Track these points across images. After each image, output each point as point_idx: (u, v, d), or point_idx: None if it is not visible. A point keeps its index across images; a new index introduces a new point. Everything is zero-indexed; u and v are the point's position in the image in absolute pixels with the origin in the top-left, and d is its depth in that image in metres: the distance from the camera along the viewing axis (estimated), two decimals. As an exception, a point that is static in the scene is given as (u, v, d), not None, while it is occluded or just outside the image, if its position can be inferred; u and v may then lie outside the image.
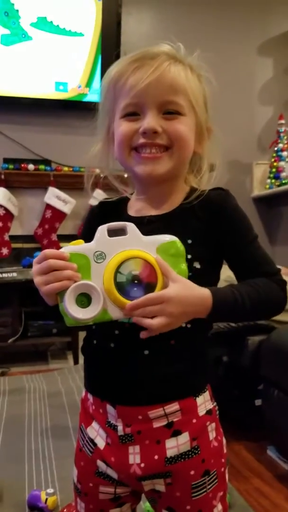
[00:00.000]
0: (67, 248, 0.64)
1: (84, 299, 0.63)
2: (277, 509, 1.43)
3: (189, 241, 0.72)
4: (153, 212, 0.77)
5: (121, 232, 0.65)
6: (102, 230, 0.65)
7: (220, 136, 0.81)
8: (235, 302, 0.69)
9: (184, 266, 0.66)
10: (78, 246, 0.64)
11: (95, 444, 0.76)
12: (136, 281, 0.63)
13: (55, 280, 0.62)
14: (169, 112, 0.73)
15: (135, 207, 0.80)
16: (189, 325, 0.71)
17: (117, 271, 0.63)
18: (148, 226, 0.73)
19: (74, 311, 0.62)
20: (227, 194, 0.77)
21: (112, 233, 0.65)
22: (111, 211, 0.82)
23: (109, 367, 0.73)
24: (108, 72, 0.78)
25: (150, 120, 0.72)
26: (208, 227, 0.74)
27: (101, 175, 0.86)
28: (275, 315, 0.77)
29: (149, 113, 0.72)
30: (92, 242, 0.64)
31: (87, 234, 0.67)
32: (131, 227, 0.65)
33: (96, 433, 0.77)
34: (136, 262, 0.63)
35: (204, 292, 0.67)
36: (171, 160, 0.74)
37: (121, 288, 0.62)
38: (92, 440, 0.77)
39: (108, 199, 0.86)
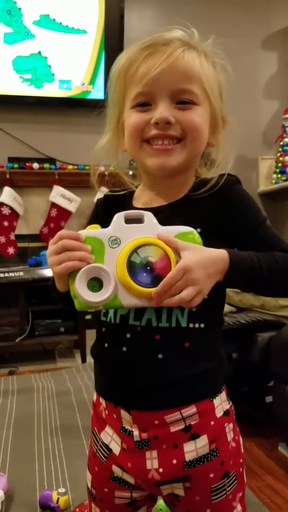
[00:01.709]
0: (83, 231, 0.64)
1: (96, 284, 0.62)
2: (290, 506, 1.42)
3: (198, 230, 0.69)
4: (160, 203, 0.75)
5: (138, 221, 0.64)
6: (119, 216, 0.64)
7: (235, 126, 0.78)
8: (252, 263, 0.66)
9: None
10: (93, 230, 0.64)
11: (110, 450, 0.74)
12: (148, 267, 0.62)
13: (68, 259, 0.61)
14: (183, 101, 0.70)
15: (142, 199, 0.78)
16: (202, 325, 0.70)
17: (133, 253, 0.62)
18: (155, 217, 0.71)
19: (85, 294, 0.61)
20: (236, 178, 0.76)
21: (129, 221, 0.64)
22: (117, 203, 0.79)
23: (123, 371, 0.71)
24: (118, 59, 0.74)
25: (163, 110, 0.68)
26: (218, 214, 0.72)
27: (106, 173, 0.84)
28: None
29: (161, 102, 0.69)
30: (109, 227, 0.64)
31: None
32: (148, 216, 0.65)
33: (111, 438, 0.74)
34: (156, 250, 0.62)
35: (220, 251, 0.65)
36: (183, 152, 0.71)
37: (132, 267, 0.61)
38: (106, 446, 0.75)
39: (114, 191, 0.83)
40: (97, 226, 0.65)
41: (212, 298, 0.69)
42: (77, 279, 0.61)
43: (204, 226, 0.70)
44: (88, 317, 2.92)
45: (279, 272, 0.68)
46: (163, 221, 0.66)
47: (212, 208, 0.72)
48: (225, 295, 0.78)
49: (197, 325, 0.70)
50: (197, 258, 0.62)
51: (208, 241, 0.67)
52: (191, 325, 0.69)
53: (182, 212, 0.71)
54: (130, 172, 0.83)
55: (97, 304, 0.61)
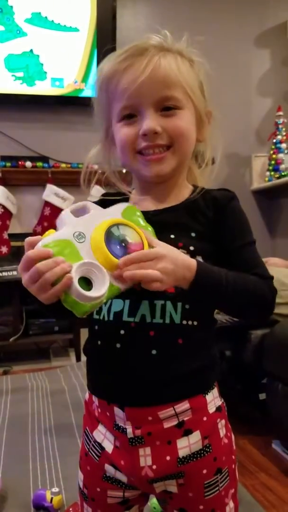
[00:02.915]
0: (47, 240, 0.60)
1: (82, 284, 0.60)
2: (284, 504, 1.42)
3: (193, 234, 0.72)
4: (157, 207, 0.77)
5: (83, 211, 0.65)
6: (66, 214, 0.64)
7: (220, 117, 0.80)
8: (219, 279, 0.67)
9: (145, 223, 0.70)
10: (55, 234, 0.62)
11: (102, 448, 0.74)
12: (123, 244, 0.63)
13: (48, 283, 0.58)
14: (167, 107, 0.72)
15: (138, 204, 0.79)
16: (195, 323, 0.70)
17: (114, 225, 0.64)
18: (152, 219, 0.73)
19: (88, 294, 0.58)
20: (233, 195, 0.78)
21: (77, 215, 0.64)
22: None
23: (116, 368, 0.71)
24: (99, 71, 0.76)
25: (149, 121, 0.70)
26: (211, 223, 0.74)
27: (100, 171, 0.84)
28: (259, 317, 0.76)
29: (146, 113, 0.71)
30: (65, 227, 0.63)
31: None
32: (91, 204, 0.66)
33: (103, 437, 0.75)
34: (134, 235, 0.65)
35: (190, 259, 0.66)
36: (174, 158, 0.73)
37: (109, 236, 0.62)
38: (99, 444, 0.75)
39: (109, 194, 0.84)
40: (52, 231, 0.63)
41: None
42: (74, 287, 0.58)
43: (199, 232, 0.73)
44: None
45: (246, 295, 0.70)
46: (159, 224, 0.70)
47: (207, 218, 0.75)
48: None
49: (190, 323, 0.70)
50: (172, 254, 0.64)
51: (201, 244, 0.71)
52: (184, 322, 0.70)
53: (179, 217, 0.74)
54: (124, 170, 0.84)
55: (101, 299, 0.60)
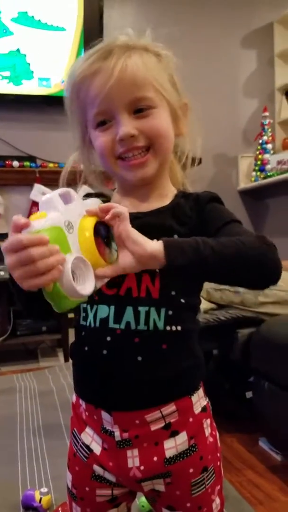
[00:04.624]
0: (41, 224, 0.55)
1: None
2: (270, 500, 1.44)
3: (175, 237, 0.71)
4: (140, 209, 0.75)
5: (68, 198, 0.62)
6: (56, 198, 0.59)
7: (197, 107, 0.78)
8: (196, 245, 0.61)
9: None
10: (48, 218, 0.56)
11: (90, 450, 0.75)
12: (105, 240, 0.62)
13: (38, 271, 0.52)
14: (140, 109, 0.70)
15: (123, 205, 0.77)
16: (179, 328, 0.71)
17: (98, 225, 0.61)
18: (135, 221, 0.72)
19: (80, 290, 0.56)
20: (216, 195, 0.77)
21: (62, 199, 0.60)
22: None
23: (103, 374, 0.72)
24: (68, 76, 0.75)
25: (123, 127, 0.69)
26: (194, 223, 0.73)
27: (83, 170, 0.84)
28: (266, 278, 0.64)
29: (120, 118, 0.70)
30: (55, 213, 0.58)
31: None
32: (73, 192, 0.63)
33: (91, 439, 0.75)
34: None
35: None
36: (156, 159, 0.72)
37: (96, 235, 0.61)
38: (87, 446, 0.76)
39: (91, 195, 0.82)
40: (44, 213, 0.57)
41: (187, 303, 0.71)
42: (68, 281, 0.55)
43: (180, 234, 0.71)
44: (71, 315, 2.91)
45: (236, 251, 0.62)
46: (142, 227, 0.68)
47: (191, 218, 0.74)
48: (200, 300, 0.79)
49: (174, 328, 0.71)
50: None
51: None
52: (168, 328, 0.70)
53: (162, 219, 0.73)
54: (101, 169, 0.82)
55: (89, 294, 0.58)
